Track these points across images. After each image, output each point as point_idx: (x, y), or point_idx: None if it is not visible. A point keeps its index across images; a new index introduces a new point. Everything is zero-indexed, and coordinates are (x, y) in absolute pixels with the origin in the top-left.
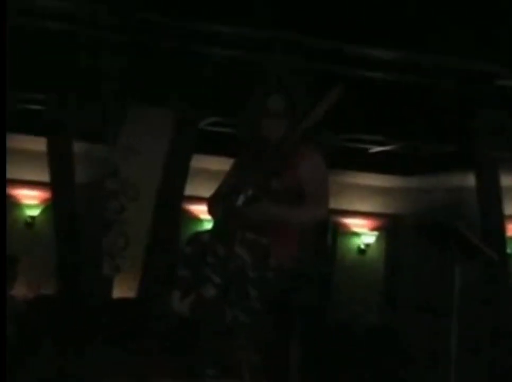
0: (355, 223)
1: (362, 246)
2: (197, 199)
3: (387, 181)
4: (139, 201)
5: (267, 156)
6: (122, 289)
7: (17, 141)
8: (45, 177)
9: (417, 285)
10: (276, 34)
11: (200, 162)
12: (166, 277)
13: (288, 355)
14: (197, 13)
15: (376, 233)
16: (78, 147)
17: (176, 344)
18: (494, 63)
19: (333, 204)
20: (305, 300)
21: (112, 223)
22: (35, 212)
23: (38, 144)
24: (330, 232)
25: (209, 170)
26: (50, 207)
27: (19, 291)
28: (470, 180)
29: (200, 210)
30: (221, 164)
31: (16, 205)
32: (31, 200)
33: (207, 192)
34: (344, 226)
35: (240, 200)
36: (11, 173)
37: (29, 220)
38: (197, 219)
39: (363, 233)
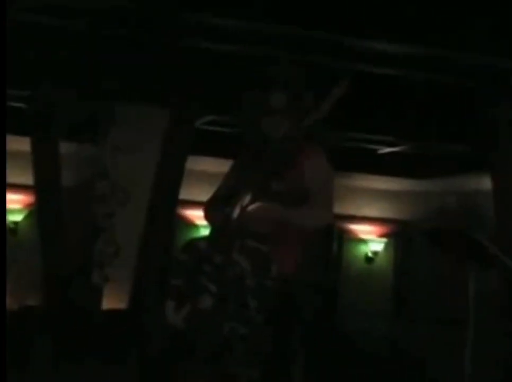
0: (362, 229)
1: (370, 254)
2: (193, 204)
3: (397, 184)
4: (130, 205)
5: (268, 156)
6: (112, 300)
7: None
8: (28, 180)
9: (428, 296)
10: (277, 27)
11: (196, 163)
12: (159, 286)
13: (290, 370)
14: (192, 5)
15: (384, 240)
16: (64, 147)
17: (170, 357)
18: None
19: (339, 209)
20: (308, 311)
21: (101, 229)
22: (18, 217)
23: (21, 144)
24: (335, 238)
25: (205, 172)
26: (34, 212)
27: None
28: (486, 183)
29: (196, 215)
30: (219, 166)
31: None
32: (13, 204)
33: (204, 196)
34: (351, 232)
35: (240, 204)
36: None
37: (12, 226)
38: (193, 225)
39: (370, 240)
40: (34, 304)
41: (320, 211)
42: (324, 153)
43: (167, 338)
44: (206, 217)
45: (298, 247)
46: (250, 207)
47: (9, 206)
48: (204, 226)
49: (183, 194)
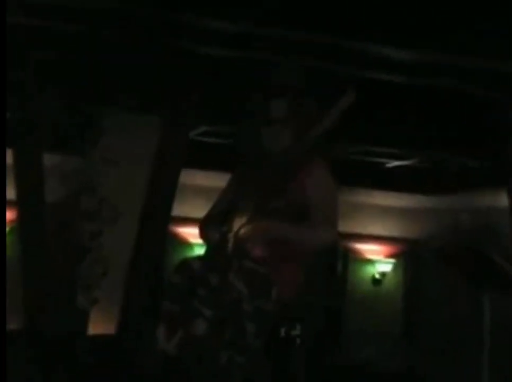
0: (369, 249)
1: (377, 276)
2: (187, 221)
3: (406, 200)
4: (119, 222)
5: (267, 170)
6: (99, 325)
7: None
8: (9, 194)
9: (441, 321)
10: (278, 31)
11: (191, 177)
12: (150, 311)
13: None
14: (187, 6)
15: (392, 260)
16: (48, 159)
17: None
18: None
19: (344, 227)
20: (310, 338)
21: (88, 248)
22: None
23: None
24: (340, 259)
25: (200, 187)
26: (15, 229)
27: None
28: (501, 199)
29: (190, 233)
30: (215, 180)
31: None
32: None
33: (198, 212)
34: (356, 252)
35: (237, 222)
36: None
37: None
38: (187, 244)
39: (378, 260)
40: (14, 328)
41: (323, 230)
42: (327, 167)
43: (158, 366)
44: (202, 235)
45: (299, 268)
46: (247, 227)
47: None
48: (199, 245)
49: (177, 211)
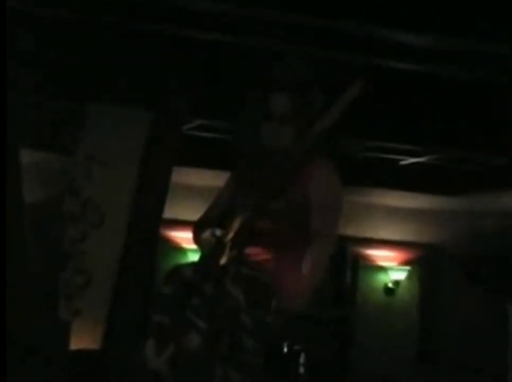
0: (381, 255)
1: (390, 285)
2: (180, 224)
3: (422, 201)
4: (105, 226)
5: (267, 170)
6: (82, 338)
7: None
8: None
9: (459, 336)
10: (281, 16)
11: (184, 175)
12: (138, 323)
13: None
14: None
15: (407, 267)
16: (27, 157)
17: None
18: None
19: (354, 231)
20: (316, 354)
21: (70, 255)
22: None
23: None
24: (349, 266)
25: (195, 186)
26: None
27: None
28: None
29: (183, 237)
30: (210, 179)
31: None
32: None
33: (192, 214)
34: (367, 258)
35: (234, 225)
36: None
37: None
38: (179, 249)
39: (391, 267)
40: None
41: (325, 242)
42: (332, 165)
43: None
44: (196, 239)
45: (303, 276)
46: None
47: None
48: (193, 250)
49: (168, 213)
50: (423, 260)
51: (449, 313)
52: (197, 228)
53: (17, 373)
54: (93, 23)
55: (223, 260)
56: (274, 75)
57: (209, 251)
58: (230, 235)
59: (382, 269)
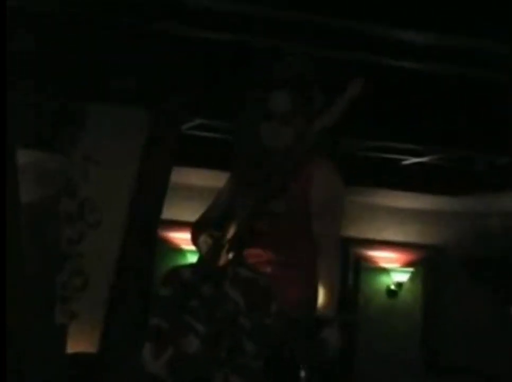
0: (383, 256)
1: (393, 287)
2: (179, 225)
3: (425, 202)
4: (102, 227)
5: (267, 170)
6: (79, 342)
7: None
8: None
9: (464, 340)
10: (281, 14)
11: (183, 176)
12: (135, 326)
13: None
14: None
15: (410, 269)
16: (24, 156)
17: None
18: None
19: (356, 232)
20: (316, 358)
21: (67, 256)
22: None
23: None
24: (351, 267)
25: (193, 187)
26: None
27: None
28: None
29: (182, 238)
30: (209, 179)
31: None
32: None
33: (191, 215)
34: (369, 260)
35: (233, 226)
36: None
37: None
38: (178, 250)
39: (394, 269)
40: None
41: (328, 250)
42: (333, 166)
43: None
44: (194, 241)
45: (303, 278)
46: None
47: None
48: (192, 252)
49: (167, 213)
50: (426, 262)
51: (452, 315)
52: (196, 229)
53: (14, 376)
54: (92, 22)
55: (222, 262)
56: (274, 74)
57: (208, 252)
58: (229, 237)
59: (385, 270)
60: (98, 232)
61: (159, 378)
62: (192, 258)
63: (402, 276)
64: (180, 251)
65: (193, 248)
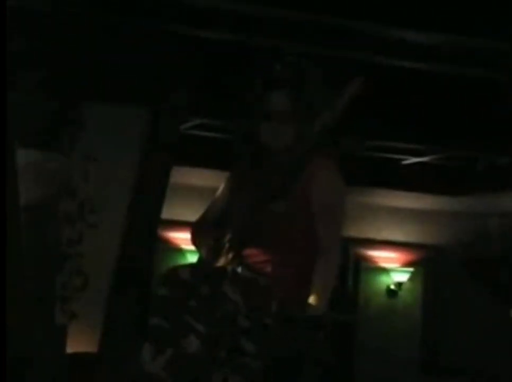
0: (383, 256)
1: (393, 287)
2: (179, 224)
3: (425, 202)
4: (102, 227)
5: (267, 171)
6: (78, 342)
7: None
8: None
9: (464, 340)
10: (281, 14)
11: (183, 175)
12: (135, 326)
13: None
14: None
15: (410, 269)
16: (23, 156)
17: None
18: None
19: (356, 232)
20: (317, 358)
21: (67, 256)
22: None
23: None
24: (351, 267)
25: (193, 186)
26: None
27: None
28: None
29: (182, 238)
30: (210, 179)
31: None
32: None
33: (191, 215)
34: (369, 260)
35: (233, 226)
36: None
37: None
38: (178, 250)
39: (394, 269)
40: None
41: (332, 250)
42: (335, 166)
43: None
44: (194, 240)
45: (303, 279)
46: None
47: None
48: (192, 252)
49: (167, 213)
50: (426, 262)
51: (452, 315)
52: (196, 229)
53: (14, 376)
54: (92, 22)
55: (222, 262)
56: (274, 74)
57: (208, 252)
58: (229, 237)
59: (385, 270)
60: (98, 232)
61: (159, 378)
62: (192, 258)
63: (401, 276)
64: (180, 251)
65: (193, 248)
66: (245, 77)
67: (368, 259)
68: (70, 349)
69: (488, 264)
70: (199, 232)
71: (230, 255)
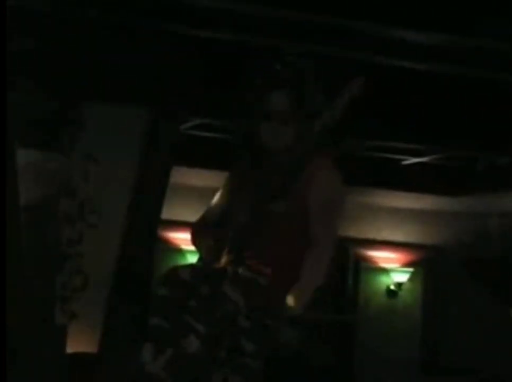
0: (383, 257)
1: (393, 287)
2: (179, 225)
3: (425, 202)
4: (102, 227)
5: (267, 171)
6: (78, 342)
7: None
8: None
9: (465, 340)
10: (281, 13)
11: (183, 176)
12: (135, 326)
13: None
14: None
15: (410, 269)
16: (24, 156)
17: None
18: None
19: (355, 232)
20: (317, 358)
21: (67, 256)
22: None
23: None
24: (351, 268)
25: (193, 187)
26: None
27: None
28: None
29: (182, 238)
30: (210, 179)
31: None
32: None
33: (191, 215)
34: (369, 260)
35: (233, 227)
36: None
37: None
38: (178, 251)
39: (393, 269)
40: None
41: (323, 247)
42: (333, 166)
43: None
44: (194, 241)
45: (304, 281)
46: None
47: None
48: (192, 252)
49: (167, 214)
50: (426, 262)
51: (451, 315)
52: (196, 229)
53: (14, 376)
54: (92, 22)
55: (221, 262)
56: (274, 74)
57: (208, 252)
58: (229, 237)
59: (385, 271)
60: (98, 232)
61: (159, 378)
62: (192, 258)
63: (401, 276)
64: (180, 251)
65: (193, 248)
66: (245, 77)
67: (368, 259)
68: (70, 349)
69: (488, 264)
70: (199, 232)
71: (230, 256)
